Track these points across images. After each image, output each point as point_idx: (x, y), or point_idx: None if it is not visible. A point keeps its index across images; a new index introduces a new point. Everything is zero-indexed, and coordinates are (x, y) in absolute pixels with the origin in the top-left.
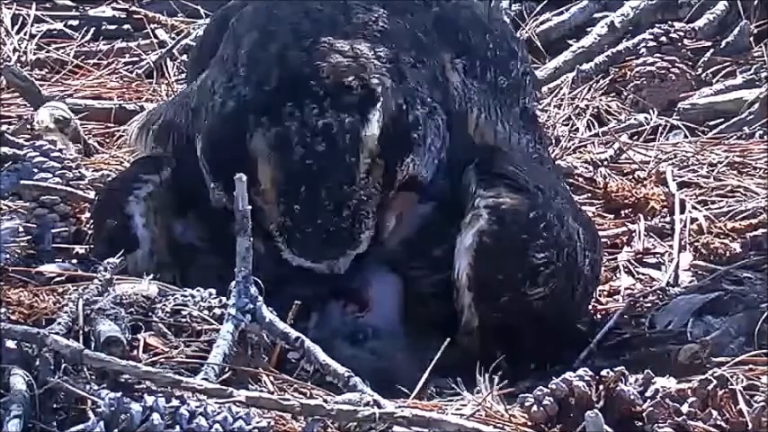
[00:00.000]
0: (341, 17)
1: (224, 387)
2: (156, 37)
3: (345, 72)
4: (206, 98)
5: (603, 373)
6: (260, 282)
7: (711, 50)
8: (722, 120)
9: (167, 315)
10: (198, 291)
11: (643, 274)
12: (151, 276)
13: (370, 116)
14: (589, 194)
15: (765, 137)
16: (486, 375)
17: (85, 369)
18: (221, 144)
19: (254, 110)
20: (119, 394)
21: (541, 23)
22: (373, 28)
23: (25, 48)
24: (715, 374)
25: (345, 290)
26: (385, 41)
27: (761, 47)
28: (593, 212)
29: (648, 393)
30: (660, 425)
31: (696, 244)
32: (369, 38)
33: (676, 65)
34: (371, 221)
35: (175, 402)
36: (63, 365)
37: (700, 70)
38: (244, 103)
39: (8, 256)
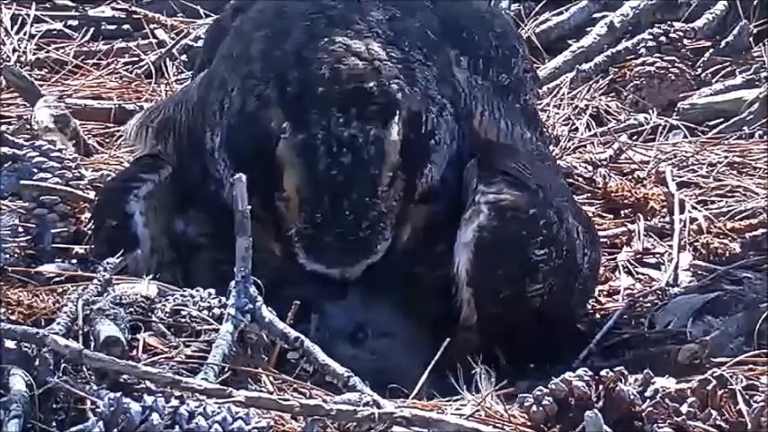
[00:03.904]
0: (354, 15)
1: (223, 387)
2: (155, 37)
3: (364, 77)
4: (218, 96)
5: (603, 373)
6: (259, 282)
7: (711, 50)
8: (722, 120)
9: (167, 315)
10: (197, 291)
11: (643, 274)
12: (151, 276)
13: (391, 128)
14: (589, 194)
15: (765, 137)
16: (485, 375)
17: (85, 369)
18: (246, 142)
19: (277, 111)
20: (118, 394)
21: (541, 23)
22: (386, 27)
23: (25, 48)
24: (714, 374)
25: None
26: (397, 41)
27: (760, 47)
28: (593, 212)
29: (648, 393)
30: (660, 425)
31: (696, 244)
32: (381, 37)
33: (676, 65)
34: (389, 233)
35: (175, 402)
36: (63, 365)
37: (699, 70)
38: (267, 103)
39: (8, 255)
